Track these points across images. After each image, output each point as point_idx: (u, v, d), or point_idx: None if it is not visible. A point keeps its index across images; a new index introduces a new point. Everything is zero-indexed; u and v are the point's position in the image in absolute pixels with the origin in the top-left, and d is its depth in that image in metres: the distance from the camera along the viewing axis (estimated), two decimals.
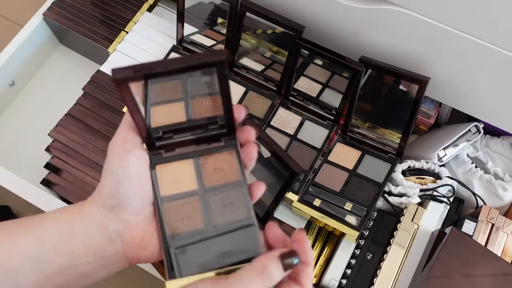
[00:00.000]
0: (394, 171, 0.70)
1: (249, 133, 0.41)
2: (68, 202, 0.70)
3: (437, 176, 0.71)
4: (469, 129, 0.71)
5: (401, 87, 0.68)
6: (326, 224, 0.66)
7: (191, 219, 0.41)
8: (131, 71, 0.34)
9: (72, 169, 0.73)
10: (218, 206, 0.41)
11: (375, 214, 0.69)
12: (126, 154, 0.37)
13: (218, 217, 0.40)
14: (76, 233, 0.37)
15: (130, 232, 0.38)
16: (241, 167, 0.41)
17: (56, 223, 0.38)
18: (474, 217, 0.68)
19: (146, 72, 0.34)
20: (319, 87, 0.74)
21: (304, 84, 0.75)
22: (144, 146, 0.40)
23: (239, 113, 0.40)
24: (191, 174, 0.42)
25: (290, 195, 0.67)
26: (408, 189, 0.68)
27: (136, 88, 0.35)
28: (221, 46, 0.76)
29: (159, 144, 0.41)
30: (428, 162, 0.71)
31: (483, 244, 0.65)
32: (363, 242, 0.67)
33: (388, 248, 0.66)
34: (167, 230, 0.39)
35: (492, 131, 0.75)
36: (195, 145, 0.42)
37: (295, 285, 0.37)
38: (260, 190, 0.41)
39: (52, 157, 0.74)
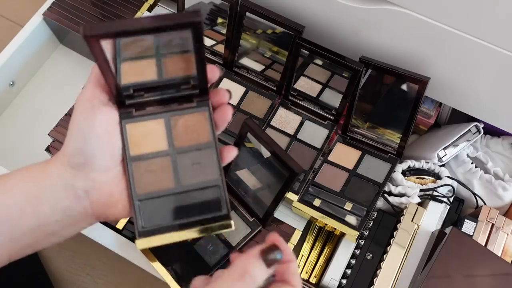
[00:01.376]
0: (394, 171, 0.70)
1: (223, 95, 0.40)
2: None
3: (437, 176, 0.71)
4: (469, 129, 0.71)
5: (401, 87, 0.68)
6: (326, 224, 0.66)
7: (161, 179, 0.40)
8: (102, 28, 0.33)
9: None
10: (187, 166, 0.40)
11: (375, 214, 0.69)
12: (93, 110, 0.36)
13: (187, 177, 0.40)
14: (42, 194, 0.36)
15: (98, 190, 0.37)
16: (213, 128, 0.41)
17: (21, 184, 0.37)
18: (474, 217, 0.68)
19: (118, 30, 0.33)
20: (319, 87, 0.74)
21: (304, 84, 0.75)
22: (113, 103, 0.39)
23: (213, 74, 0.39)
24: (161, 134, 0.41)
25: (290, 195, 0.67)
26: (408, 189, 0.68)
27: (106, 44, 0.34)
28: (221, 46, 0.76)
29: (130, 103, 0.40)
30: (428, 162, 0.71)
31: (483, 244, 0.65)
32: (363, 242, 0.67)
33: (388, 248, 0.66)
34: (136, 189, 0.39)
35: (492, 131, 0.75)
36: (166, 105, 0.42)
37: (283, 285, 0.36)
38: (231, 153, 0.40)
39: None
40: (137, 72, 0.41)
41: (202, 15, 0.35)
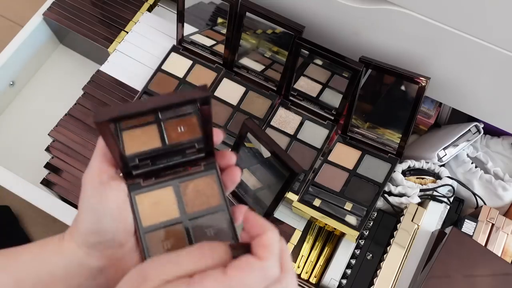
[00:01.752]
0: (394, 171, 0.70)
1: (230, 158, 0.40)
2: (68, 202, 0.70)
3: (437, 176, 0.71)
4: (469, 129, 0.71)
5: (401, 87, 0.68)
6: (326, 224, 0.66)
7: (175, 248, 0.39)
8: (114, 113, 0.32)
9: (72, 169, 0.73)
10: (200, 232, 0.40)
11: (375, 214, 0.69)
12: (103, 186, 0.35)
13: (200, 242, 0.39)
14: (55, 273, 0.36)
15: (114, 267, 0.37)
16: (222, 190, 0.40)
17: (34, 262, 0.36)
18: (474, 217, 0.68)
19: (130, 113, 0.33)
20: (319, 87, 0.74)
21: (304, 84, 0.75)
22: (121, 175, 0.39)
23: (218, 137, 0.39)
24: (172, 202, 0.40)
25: (290, 195, 0.67)
26: (408, 189, 0.68)
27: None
28: (221, 46, 0.76)
29: (137, 173, 0.40)
30: (428, 162, 0.71)
31: (483, 244, 0.65)
32: (363, 242, 0.67)
33: (388, 248, 0.66)
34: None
35: (492, 131, 0.75)
36: (173, 171, 0.41)
37: (250, 258, 0.32)
38: (242, 211, 0.39)
39: (52, 157, 0.74)
40: (140, 141, 0.41)
41: (210, 93, 0.35)
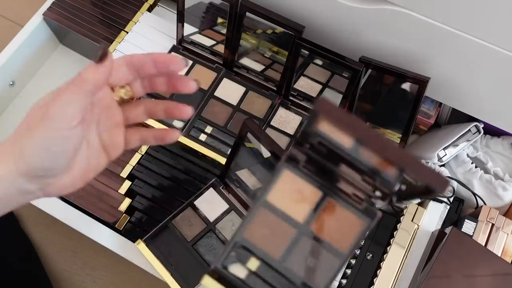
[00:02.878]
0: None
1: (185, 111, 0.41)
2: (68, 202, 0.70)
3: None
4: (469, 129, 0.71)
5: (401, 87, 0.68)
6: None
7: (271, 242, 0.36)
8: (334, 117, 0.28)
9: None
10: (303, 254, 0.36)
11: None
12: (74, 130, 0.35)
13: (295, 261, 0.35)
14: None
15: (54, 186, 0.37)
16: (356, 244, 0.36)
17: None
18: (474, 217, 0.68)
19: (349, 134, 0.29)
20: (319, 87, 0.74)
21: (304, 84, 0.75)
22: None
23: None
24: (308, 205, 0.36)
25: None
26: None
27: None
28: (221, 46, 0.76)
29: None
30: (428, 162, 0.71)
31: (483, 244, 0.65)
32: (363, 242, 0.67)
33: (388, 248, 0.66)
34: (244, 233, 0.35)
35: (492, 131, 0.75)
36: (337, 182, 0.36)
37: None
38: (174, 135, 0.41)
39: None
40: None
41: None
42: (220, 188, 0.67)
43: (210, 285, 0.35)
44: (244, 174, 0.65)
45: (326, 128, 0.32)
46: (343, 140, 0.32)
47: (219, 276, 0.35)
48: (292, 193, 0.35)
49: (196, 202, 0.67)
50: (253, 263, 0.35)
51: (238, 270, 0.36)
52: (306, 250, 0.35)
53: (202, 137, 0.71)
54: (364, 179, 0.34)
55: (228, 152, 0.66)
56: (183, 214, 0.66)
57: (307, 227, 0.35)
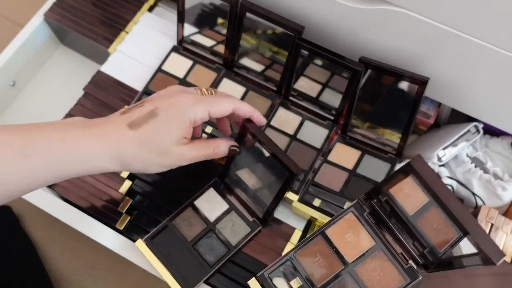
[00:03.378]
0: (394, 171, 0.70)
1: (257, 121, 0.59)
2: (69, 202, 0.70)
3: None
4: (469, 129, 0.72)
5: (400, 87, 0.68)
6: None
7: (318, 270, 0.43)
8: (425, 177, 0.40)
9: None
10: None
11: None
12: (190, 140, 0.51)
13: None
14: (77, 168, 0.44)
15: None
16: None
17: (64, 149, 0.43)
18: (474, 216, 0.68)
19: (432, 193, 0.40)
20: (319, 87, 0.75)
21: (304, 84, 0.75)
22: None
23: None
24: (359, 249, 0.45)
25: (290, 195, 0.67)
26: None
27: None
28: (221, 46, 0.76)
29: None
30: (427, 162, 0.71)
31: None
32: None
33: None
34: (298, 254, 0.44)
35: (491, 131, 0.76)
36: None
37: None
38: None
39: None
40: (405, 193, 0.43)
41: None
42: (221, 188, 0.67)
43: (253, 286, 0.42)
44: (243, 174, 0.65)
45: (398, 190, 0.40)
46: (408, 206, 0.40)
47: (262, 284, 0.40)
48: (350, 234, 0.42)
49: (196, 202, 0.67)
50: (296, 283, 0.40)
51: (281, 284, 0.41)
52: (345, 286, 0.41)
53: (203, 137, 0.71)
54: (414, 244, 0.40)
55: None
56: (183, 214, 0.66)
57: (353, 267, 0.41)
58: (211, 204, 0.67)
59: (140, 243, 0.64)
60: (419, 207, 0.40)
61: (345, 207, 0.67)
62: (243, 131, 0.60)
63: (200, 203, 0.67)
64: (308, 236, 0.40)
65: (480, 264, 0.34)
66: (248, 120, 0.58)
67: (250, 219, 0.66)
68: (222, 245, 0.64)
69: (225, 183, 0.67)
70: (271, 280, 0.39)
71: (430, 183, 0.33)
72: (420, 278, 0.39)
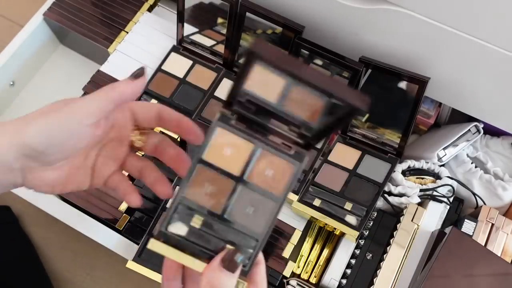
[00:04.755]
0: (394, 171, 0.70)
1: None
2: (68, 202, 0.70)
3: (437, 176, 0.71)
4: (469, 129, 0.71)
5: (401, 87, 0.68)
6: (326, 224, 0.66)
7: (211, 197, 0.39)
8: (271, 59, 0.32)
9: None
10: (242, 203, 0.38)
11: (375, 214, 0.69)
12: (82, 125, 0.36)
13: (235, 212, 0.38)
14: None
15: (35, 175, 0.37)
16: (290, 187, 0.38)
17: None
18: (474, 217, 0.68)
19: (285, 70, 0.32)
20: None
21: None
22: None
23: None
24: (242, 159, 0.39)
25: (290, 195, 0.67)
26: (408, 189, 0.68)
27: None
28: (221, 46, 0.76)
29: (235, 109, 0.39)
30: (428, 162, 0.71)
31: (483, 244, 0.65)
32: (363, 242, 0.67)
33: (388, 248, 0.66)
34: (185, 192, 0.38)
35: (492, 131, 0.75)
36: (266, 134, 0.40)
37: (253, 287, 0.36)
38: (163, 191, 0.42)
39: None
40: (261, 85, 0.38)
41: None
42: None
43: (157, 249, 0.36)
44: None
45: (254, 84, 0.37)
46: (269, 95, 0.37)
47: (164, 240, 0.37)
48: (227, 149, 0.39)
49: (168, 206, 0.66)
50: (197, 221, 0.37)
51: (181, 229, 0.38)
52: (245, 199, 0.38)
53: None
54: (290, 128, 0.38)
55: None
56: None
57: (243, 179, 0.38)
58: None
59: (132, 264, 0.62)
60: (280, 91, 0.37)
61: (346, 207, 0.67)
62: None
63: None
64: (187, 172, 0.38)
65: (350, 116, 0.34)
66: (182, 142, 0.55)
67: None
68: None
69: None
70: (169, 230, 0.37)
71: (279, 64, 0.32)
72: (306, 156, 0.39)
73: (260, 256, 0.37)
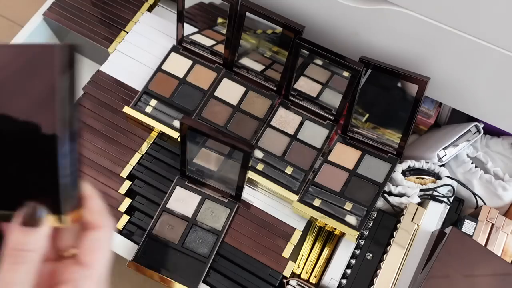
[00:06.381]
0: (394, 171, 0.70)
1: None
2: None
3: (437, 176, 0.71)
4: (469, 129, 0.71)
5: (401, 87, 0.68)
6: (326, 224, 0.66)
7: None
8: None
9: None
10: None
11: (375, 214, 0.69)
12: None
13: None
14: None
15: None
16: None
17: None
18: (474, 217, 0.68)
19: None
20: (319, 87, 0.74)
21: (304, 84, 0.75)
22: None
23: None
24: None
25: (290, 195, 0.67)
26: (408, 189, 0.68)
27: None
28: (221, 46, 0.76)
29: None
30: (428, 162, 0.71)
31: (483, 244, 0.65)
32: (363, 242, 0.67)
33: (388, 248, 0.66)
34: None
35: (492, 131, 0.75)
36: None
37: (95, 231, 0.29)
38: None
39: None
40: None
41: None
42: (186, 183, 0.68)
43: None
44: (201, 158, 0.68)
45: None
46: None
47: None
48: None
49: (168, 205, 0.67)
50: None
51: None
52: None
53: None
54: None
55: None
56: (161, 221, 0.66)
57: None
58: (183, 201, 0.67)
59: (131, 264, 0.64)
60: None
61: (346, 207, 0.67)
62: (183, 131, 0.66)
63: (172, 204, 0.67)
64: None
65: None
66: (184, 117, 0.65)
67: (225, 200, 0.68)
68: (210, 234, 0.66)
69: (188, 177, 0.68)
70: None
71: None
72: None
73: (97, 220, 0.32)
